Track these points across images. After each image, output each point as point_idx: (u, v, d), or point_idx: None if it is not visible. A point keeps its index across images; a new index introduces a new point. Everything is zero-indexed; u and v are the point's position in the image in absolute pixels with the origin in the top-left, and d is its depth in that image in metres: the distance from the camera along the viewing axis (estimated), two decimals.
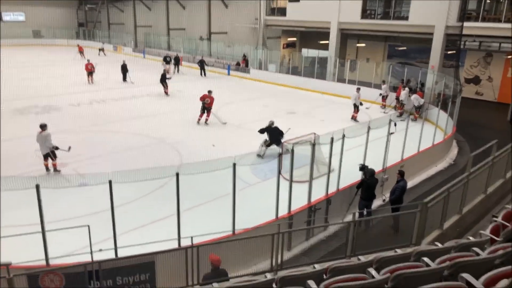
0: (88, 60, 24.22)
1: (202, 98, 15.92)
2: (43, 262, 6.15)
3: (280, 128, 12.63)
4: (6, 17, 48.45)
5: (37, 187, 5.86)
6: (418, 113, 16.62)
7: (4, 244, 6.50)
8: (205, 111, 16.06)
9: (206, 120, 16.14)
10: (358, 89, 17.88)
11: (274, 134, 12.28)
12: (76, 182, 9.86)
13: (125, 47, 41.17)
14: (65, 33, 48.78)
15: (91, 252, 5.70)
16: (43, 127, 10.69)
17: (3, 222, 8.24)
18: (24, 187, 9.39)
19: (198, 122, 16.11)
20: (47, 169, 10.87)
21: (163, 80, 21.55)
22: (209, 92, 16.09)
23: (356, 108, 17.40)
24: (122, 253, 6.31)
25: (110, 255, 6.21)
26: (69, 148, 11.11)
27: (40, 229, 6.04)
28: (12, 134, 13.76)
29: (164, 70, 23.43)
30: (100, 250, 5.96)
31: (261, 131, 12.47)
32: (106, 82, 24.43)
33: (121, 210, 7.01)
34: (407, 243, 6.99)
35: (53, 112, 17.36)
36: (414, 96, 17.02)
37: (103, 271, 5.76)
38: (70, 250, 6.71)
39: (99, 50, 38.93)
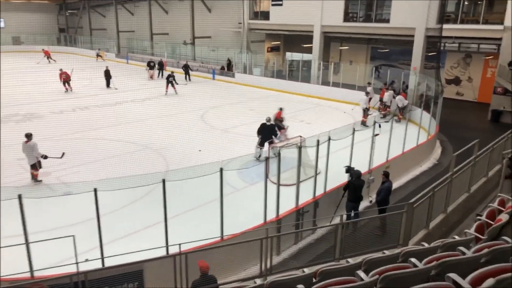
0: (60, 69, 22.88)
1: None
2: (28, 274, 6.00)
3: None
4: None
5: (19, 197, 5.73)
6: (402, 114, 16.87)
7: None
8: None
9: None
10: (367, 93, 17.69)
11: (266, 133, 12.29)
12: (61, 191, 9.68)
13: (108, 53, 40.73)
14: (46, 39, 47.98)
15: (77, 263, 5.59)
16: (28, 136, 10.48)
17: None
18: (7, 197, 9.20)
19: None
20: (35, 179, 10.66)
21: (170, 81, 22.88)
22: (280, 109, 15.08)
23: (365, 112, 17.13)
24: (109, 262, 6.21)
25: (97, 265, 6.10)
26: (63, 154, 10.93)
27: (23, 241, 5.89)
28: None
29: (172, 73, 23.81)
30: (87, 260, 5.85)
31: (257, 131, 12.48)
32: (89, 89, 24.09)
33: (107, 219, 6.90)
34: (395, 244, 7.06)
35: (34, 120, 17.04)
36: (398, 97, 17.27)
37: (89, 282, 5.65)
38: (55, 261, 6.56)
39: (97, 56, 38.18)
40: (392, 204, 8.99)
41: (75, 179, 10.41)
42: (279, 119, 14.51)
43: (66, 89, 22.75)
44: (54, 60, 37.27)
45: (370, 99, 17.86)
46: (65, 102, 20.15)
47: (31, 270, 6.03)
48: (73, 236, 5.70)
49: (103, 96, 22.24)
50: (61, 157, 10.85)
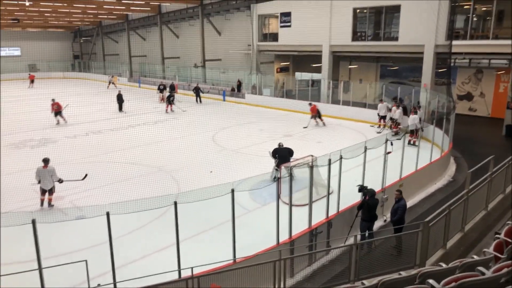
0: (52, 100, 21.69)
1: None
2: None
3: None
4: (2, 52, 49.03)
5: (33, 222, 5.76)
6: (416, 136, 15.85)
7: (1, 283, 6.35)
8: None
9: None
10: (381, 100, 19.32)
11: (282, 155, 12.21)
12: (74, 216, 9.74)
13: (120, 77, 41.62)
14: (61, 66, 49.40)
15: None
16: (46, 161, 10.63)
17: (2, 260, 8.10)
18: (21, 222, 9.30)
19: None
20: (42, 203, 10.68)
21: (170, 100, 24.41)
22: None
23: (383, 119, 18.92)
24: (121, 286, 6.17)
25: None
26: (85, 176, 11.10)
27: (37, 266, 5.90)
28: (8, 168, 13.67)
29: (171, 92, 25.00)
30: (99, 285, 5.82)
31: (273, 154, 12.37)
32: (102, 113, 24.54)
33: (119, 242, 6.91)
34: (411, 265, 6.88)
35: (49, 145, 17.35)
36: (411, 117, 16.85)
37: None
38: (68, 286, 6.56)
39: (109, 82, 37.93)
40: (406, 223, 8.82)
41: (88, 202, 10.47)
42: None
43: (58, 121, 21.36)
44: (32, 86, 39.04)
45: (385, 108, 18.84)
46: (78, 127, 20.51)
47: None
48: (85, 261, 5.69)
49: (116, 120, 22.59)
50: (83, 179, 11.00)
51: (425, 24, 19.55)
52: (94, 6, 35.36)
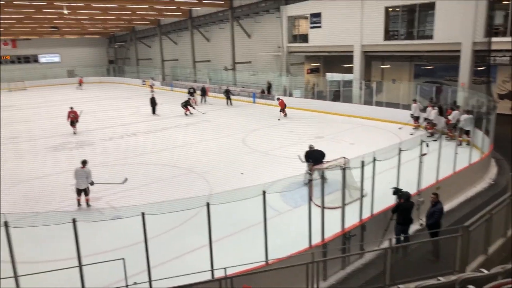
0: (71, 108, 21.12)
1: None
2: None
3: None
4: (42, 59, 51.48)
5: (74, 221, 5.98)
6: (452, 131, 15.90)
7: (43, 279, 6.64)
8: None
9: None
10: (415, 100, 19.10)
11: (315, 157, 12.08)
12: (110, 216, 10.04)
13: (153, 81, 42.62)
14: (97, 71, 51.25)
15: (127, 286, 5.71)
16: (84, 163, 11.07)
17: (43, 257, 8.47)
18: (61, 221, 9.67)
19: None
20: (79, 204, 11.08)
21: (186, 104, 24.81)
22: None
23: (416, 119, 18.75)
24: (156, 285, 6.30)
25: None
26: (125, 180, 11.39)
27: (77, 263, 6.12)
28: (48, 170, 14.29)
29: (189, 99, 25.29)
30: (135, 283, 5.96)
31: (305, 158, 12.18)
32: (136, 116, 25.23)
33: (154, 242, 7.05)
34: (450, 270, 6.63)
35: (86, 147, 18.00)
36: (454, 113, 16.42)
37: None
38: (106, 283, 6.76)
39: (151, 86, 38.88)
40: (444, 227, 8.51)
41: (124, 203, 10.78)
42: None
43: (74, 130, 20.76)
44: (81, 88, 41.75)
45: (418, 108, 18.58)
46: (113, 130, 21.13)
47: None
48: (123, 259, 5.85)
49: (150, 122, 23.15)
50: (122, 183, 11.29)
51: (461, 21, 18.87)
52: (128, 12, 36.44)
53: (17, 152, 17.24)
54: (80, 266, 6.11)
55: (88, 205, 11.10)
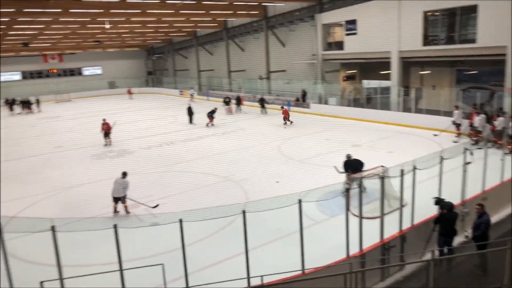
0: (103, 120, 21.40)
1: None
2: None
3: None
4: (86, 71, 54.03)
5: (115, 226, 6.17)
6: (500, 138, 15.06)
7: (87, 282, 6.87)
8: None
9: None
10: (457, 106, 18.59)
11: (353, 166, 11.85)
12: (149, 222, 10.27)
13: (193, 90, 43.66)
14: (136, 82, 53.11)
15: None
16: (124, 174, 11.50)
17: (85, 261, 8.78)
18: (103, 227, 10.00)
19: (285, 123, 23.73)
20: (116, 211, 11.39)
21: (211, 114, 24.90)
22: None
23: (458, 126, 18.18)
24: None
25: None
26: (157, 205, 11.54)
27: (118, 268, 6.29)
28: (91, 178, 14.87)
29: (215, 108, 25.43)
30: None
31: (344, 168, 11.93)
32: (174, 125, 25.84)
33: (191, 249, 7.13)
34: (498, 285, 6.27)
35: (126, 155, 18.60)
36: (501, 119, 15.72)
37: None
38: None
39: (190, 95, 40.66)
40: (492, 239, 8.05)
41: (162, 210, 11.02)
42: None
43: (106, 142, 20.91)
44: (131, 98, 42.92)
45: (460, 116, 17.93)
46: (152, 139, 21.73)
47: None
48: (162, 264, 5.96)
49: (187, 131, 23.63)
50: (153, 207, 11.44)
51: (506, 23, 18.02)
52: (165, 25, 37.62)
53: (61, 160, 18.11)
54: (121, 270, 6.28)
55: (127, 211, 11.43)
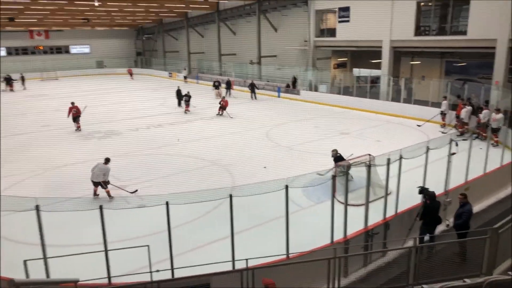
0: (72, 103, 19.48)
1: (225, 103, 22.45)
2: (106, 281, 6.38)
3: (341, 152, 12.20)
4: (73, 50, 52.89)
5: (101, 207, 6.15)
6: (485, 131, 15.36)
7: (71, 262, 6.86)
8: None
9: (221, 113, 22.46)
10: (445, 97, 18.80)
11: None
12: (135, 204, 10.25)
13: (179, 74, 43.12)
14: (125, 62, 52.20)
15: (151, 272, 5.83)
16: (107, 160, 11.31)
17: (70, 241, 8.75)
18: (88, 208, 9.95)
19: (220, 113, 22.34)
20: (96, 194, 11.20)
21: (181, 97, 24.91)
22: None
23: (444, 115, 18.66)
24: (178, 274, 6.40)
25: (167, 275, 6.31)
26: (135, 191, 11.34)
27: (103, 248, 6.29)
28: (77, 158, 14.71)
29: (188, 92, 24.87)
30: (157, 271, 6.08)
31: (336, 161, 11.68)
32: (162, 108, 25.59)
33: (177, 231, 7.15)
34: (477, 273, 6.45)
35: (114, 137, 18.42)
36: (484, 112, 15.98)
37: None
38: (130, 269, 6.92)
39: (184, 77, 40.70)
40: (473, 229, 8.26)
41: (148, 192, 10.99)
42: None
43: (78, 126, 19.37)
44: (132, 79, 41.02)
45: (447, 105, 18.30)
46: (140, 121, 21.53)
47: (109, 277, 6.40)
48: (147, 246, 5.97)
49: (175, 114, 23.44)
50: (132, 193, 11.21)
51: (498, 16, 18.13)
52: (156, 4, 36.87)
53: (48, 140, 17.85)
54: (106, 251, 6.28)
55: (110, 196, 11.08)
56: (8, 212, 8.48)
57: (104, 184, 11.07)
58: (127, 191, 11.26)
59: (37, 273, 6.10)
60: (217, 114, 22.59)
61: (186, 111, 23.85)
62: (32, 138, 18.19)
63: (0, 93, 31.21)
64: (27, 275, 5.86)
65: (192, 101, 24.38)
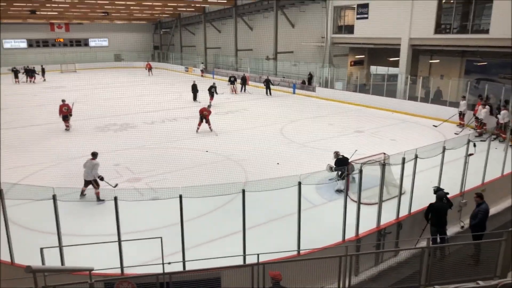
0: (63, 101, 18.49)
1: (201, 112, 17.97)
2: (118, 271, 6.50)
3: (347, 149, 12.09)
4: (92, 43, 53.63)
5: (115, 199, 6.24)
6: (505, 132, 15.05)
7: (85, 251, 7.00)
8: (203, 121, 17.91)
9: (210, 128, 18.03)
10: (464, 97, 18.50)
11: (344, 165, 11.63)
12: (149, 196, 10.38)
13: (195, 68, 43.30)
14: (143, 56, 52.70)
15: (163, 263, 5.91)
16: (94, 155, 10.76)
17: (85, 231, 8.92)
18: (103, 199, 10.09)
19: (197, 131, 17.88)
20: (82, 194, 10.62)
21: (210, 90, 24.61)
22: (208, 106, 18.46)
23: (461, 115, 18.38)
24: (189, 266, 6.48)
25: (178, 268, 6.39)
26: (116, 185, 10.86)
27: (116, 239, 6.40)
28: (93, 149, 14.92)
29: (214, 84, 25.33)
30: (169, 263, 6.16)
31: (336, 168, 11.25)
32: (178, 102, 25.77)
33: (190, 224, 7.22)
34: (491, 275, 6.35)
35: (129, 129, 18.64)
36: (503, 113, 15.67)
37: (172, 283, 5.93)
38: (142, 260, 7.03)
39: (201, 71, 41.25)
40: (488, 231, 8.11)
41: (162, 185, 11.12)
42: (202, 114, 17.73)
43: (67, 126, 18.33)
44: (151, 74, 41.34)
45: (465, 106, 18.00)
46: (156, 114, 21.71)
47: (122, 267, 6.51)
48: (160, 238, 6.05)
49: (190, 108, 23.55)
50: (114, 187, 10.66)
51: None
52: None
53: (65, 131, 18.17)
54: (120, 241, 6.39)
55: (99, 199, 10.50)
56: (26, 200, 8.71)
57: (96, 183, 10.53)
58: (110, 185, 10.72)
59: (52, 261, 6.25)
60: (197, 131, 17.89)
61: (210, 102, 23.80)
62: (50, 129, 18.54)
63: (0, 85, 31.70)
64: (43, 262, 6.02)
65: (205, 96, 24.49)
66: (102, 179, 10.64)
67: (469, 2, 20.43)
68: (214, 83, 25.65)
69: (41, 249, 5.99)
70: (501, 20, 18.55)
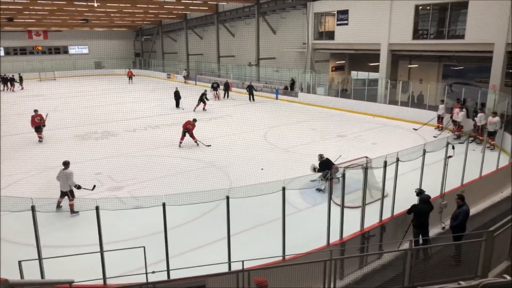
0: (35, 111, 17.58)
1: (185, 126, 16.80)
2: (101, 282, 6.36)
3: (330, 154, 12.25)
4: (72, 50, 52.82)
5: (97, 208, 6.14)
6: (482, 134, 15.45)
7: (66, 263, 6.83)
8: (185, 135, 16.72)
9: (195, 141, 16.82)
10: (442, 100, 18.82)
11: (328, 167, 11.78)
12: (132, 205, 10.23)
13: (177, 75, 43.10)
14: (124, 63, 52.14)
15: (146, 273, 5.82)
16: (66, 164, 10.32)
17: (66, 242, 8.72)
18: (83, 209, 9.89)
19: (180, 146, 16.61)
20: (59, 206, 10.27)
21: (201, 99, 24.45)
22: (194, 120, 17.16)
23: (440, 119, 18.70)
24: (174, 275, 6.39)
25: (163, 277, 6.30)
26: (94, 187, 10.68)
27: (98, 249, 6.28)
28: (73, 158, 14.64)
29: (205, 91, 25.25)
30: (153, 272, 6.07)
31: (319, 170, 11.50)
32: (160, 109, 25.57)
33: (173, 233, 7.14)
34: (472, 275, 6.47)
35: (110, 137, 18.38)
36: (479, 115, 16.09)
37: None
38: (126, 270, 6.91)
39: (184, 78, 41.08)
40: (468, 231, 8.28)
41: (145, 193, 10.98)
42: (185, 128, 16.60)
43: (40, 137, 17.47)
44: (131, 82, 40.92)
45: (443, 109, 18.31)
46: (138, 121, 21.49)
47: (104, 278, 6.38)
48: (143, 247, 5.96)
49: (173, 115, 23.42)
50: (92, 190, 10.55)
51: (495, 21, 18.25)
52: (155, 6, 36.89)
53: (44, 140, 17.77)
54: (102, 252, 6.27)
55: (72, 211, 10.11)
56: (4, 212, 8.46)
57: (71, 193, 10.12)
58: (88, 189, 10.52)
59: (32, 274, 6.08)
60: (180, 145, 16.74)
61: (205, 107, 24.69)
62: (28, 138, 18.12)
63: (0, 93, 31.05)
64: (21, 275, 5.85)
65: (188, 102, 24.36)
66: (79, 187, 10.24)
67: (445, 9, 21.02)
68: (205, 90, 25.61)
69: (19, 262, 5.82)
70: (476, 25, 19.14)
